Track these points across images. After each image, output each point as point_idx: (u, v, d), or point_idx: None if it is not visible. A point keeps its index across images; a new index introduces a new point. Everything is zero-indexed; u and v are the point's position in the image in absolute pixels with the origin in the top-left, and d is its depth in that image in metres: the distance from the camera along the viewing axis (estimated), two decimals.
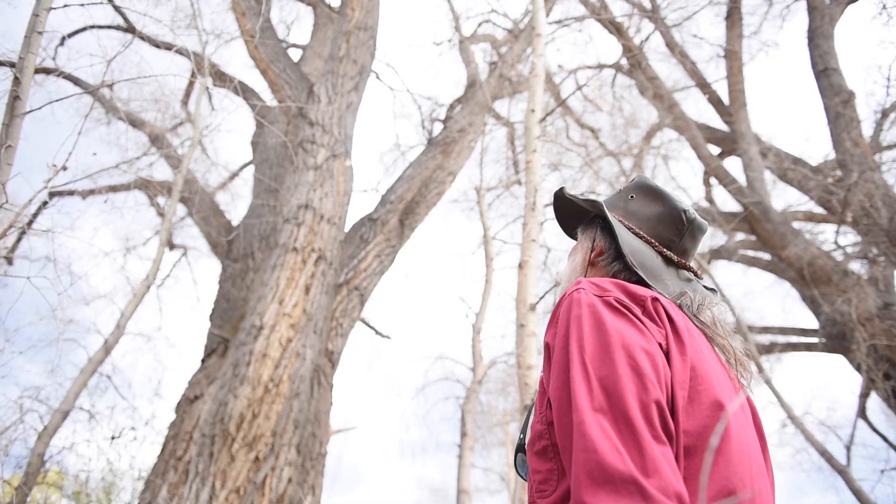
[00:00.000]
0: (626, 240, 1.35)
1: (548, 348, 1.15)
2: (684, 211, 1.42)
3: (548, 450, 1.09)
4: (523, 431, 1.45)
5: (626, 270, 1.35)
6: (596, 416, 0.92)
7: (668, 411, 0.99)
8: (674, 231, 1.40)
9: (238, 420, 5.25)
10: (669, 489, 0.83)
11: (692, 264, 1.46)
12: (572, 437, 0.94)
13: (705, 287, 1.41)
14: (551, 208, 1.59)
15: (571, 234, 1.66)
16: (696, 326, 1.25)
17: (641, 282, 1.30)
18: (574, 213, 1.60)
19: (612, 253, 1.40)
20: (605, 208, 1.42)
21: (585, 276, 1.43)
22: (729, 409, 1.08)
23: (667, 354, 1.08)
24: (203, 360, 6.81)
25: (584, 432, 0.90)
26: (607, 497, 0.82)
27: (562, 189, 1.53)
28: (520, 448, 1.45)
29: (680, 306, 1.27)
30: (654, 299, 1.17)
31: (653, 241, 1.39)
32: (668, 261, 1.38)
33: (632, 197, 1.47)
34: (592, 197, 1.50)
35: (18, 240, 8.94)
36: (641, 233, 1.40)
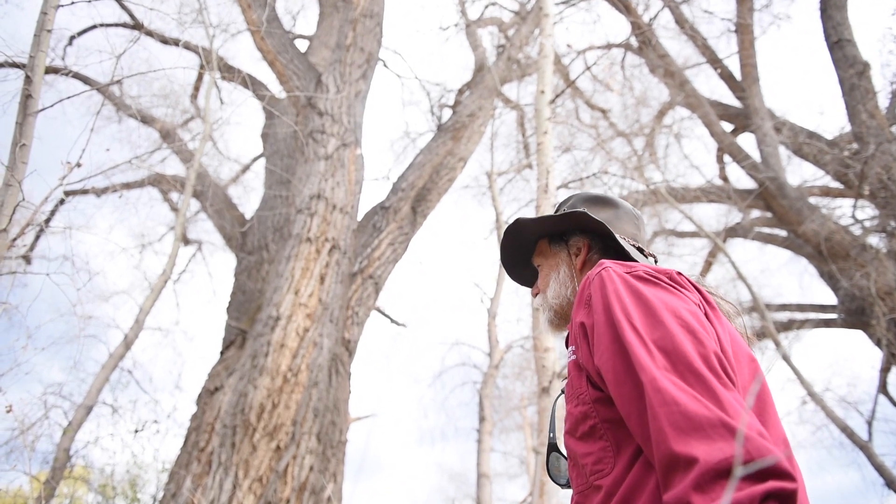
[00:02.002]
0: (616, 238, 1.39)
1: (583, 328, 1.15)
2: (632, 208, 1.53)
3: (597, 428, 1.09)
4: (552, 430, 1.46)
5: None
6: (664, 373, 0.93)
7: None
8: (634, 226, 1.49)
9: (258, 410, 5.30)
10: (753, 427, 0.84)
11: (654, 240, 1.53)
12: (638, 402, 0.95)
13: None
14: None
15: (522, 278, 1.67)
16: None
17: None
18: (520, 254, 1.61)
19: (599, 248, 1.44)
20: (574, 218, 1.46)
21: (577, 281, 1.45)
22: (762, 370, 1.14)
23: (706, 316, 1.12)
24: (222, 352, 6.87)
25: (658, 388, 0.91)
26: (699, 443, 0.83)
27: (518, 220, 1.52)
28: (552, 448, 1.45)
29: None
30: (678, 272, 1.20)
31: (624, 237, 1.45)
32: (640, 252, 1.45)
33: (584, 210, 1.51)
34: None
35: (36, 238, 9.06)
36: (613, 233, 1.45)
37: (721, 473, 0.79)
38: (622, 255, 1.37)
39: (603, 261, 1.22)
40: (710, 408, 0.86)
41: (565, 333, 1.37)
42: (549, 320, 1.47)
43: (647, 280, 1.13)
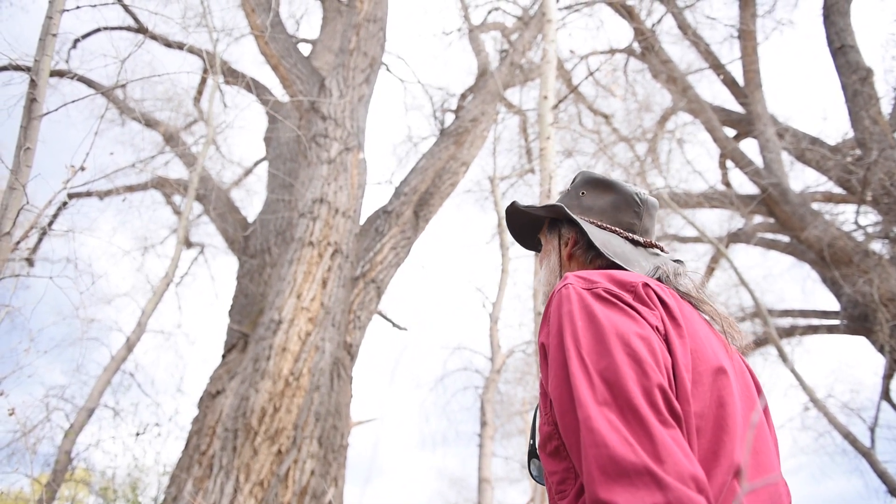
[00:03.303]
0: (593, 233, 1.37)
1: (543, 348, 1.13)
2: (636, 193, 1.46)
3: (560, 449, 1.07)
4: (532, 437, 1.45)
5: (602, 257, 1.37)
6: (601, 410, 0.91)
7: (674, 394, 0.98)
8: (632, 214, 1.44)
9: (260, 414, 5.30)
10: (685, 473, 0.82)
11: (658, 242, 1.48)
12: (579, 435, 0.93)
13: (674, 261, 1.41)
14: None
15: (529, 245, 1.69)
16: (683, 298, 1.25)
17: (618, 268, 1.30)
18: (528, 226, 1.63)
19: (585, 242, 1.42)
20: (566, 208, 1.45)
21: (566, 272, 1.43)
22: (734, 386, 1.08)
23: (665, 337, 1.07)
24: (224, 356, 6.87)
25: (591, 427, 0.89)
26: (623, 490, 0.81)
27: (513, 203, 1.54)
28: (531, 454, 1.44)
29: (659, 279, 1.28)
30: (645, 284, 1.16)
31: (616, 228, 1.42)
32: (635, 244, 1.41)
33: (582, 193, 1.49)
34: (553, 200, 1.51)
35: (39, 241, 9.08)
36: (603, 224, 1.42)
37: None
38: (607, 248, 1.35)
39: (567, 274, 1.20)
40: (638, 452, 0.84)
41: None
42: (543, 302, 1.47)
43: (604, 300, 1.09)
